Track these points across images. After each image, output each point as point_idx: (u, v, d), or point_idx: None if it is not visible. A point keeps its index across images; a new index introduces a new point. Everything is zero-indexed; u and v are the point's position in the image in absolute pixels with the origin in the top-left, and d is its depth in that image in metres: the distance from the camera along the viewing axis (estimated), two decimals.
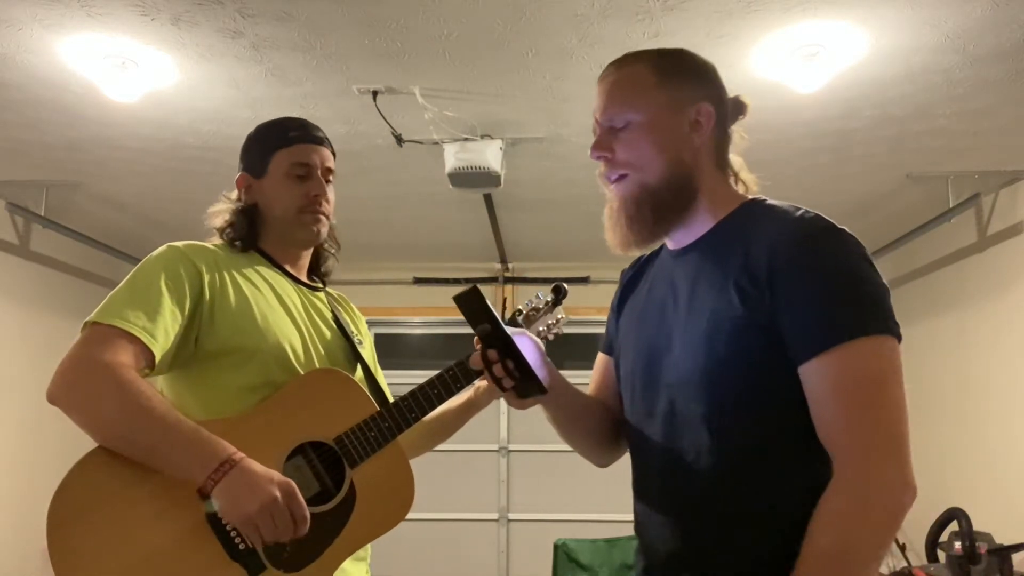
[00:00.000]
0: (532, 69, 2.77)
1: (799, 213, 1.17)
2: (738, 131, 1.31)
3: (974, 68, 2.71)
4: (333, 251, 1.71)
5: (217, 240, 1.58)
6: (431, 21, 2.48)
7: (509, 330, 1.27)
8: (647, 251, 1.38)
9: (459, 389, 1.47)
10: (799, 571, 1.04)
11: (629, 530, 1.31)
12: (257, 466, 1.29)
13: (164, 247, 1.48)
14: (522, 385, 1.27)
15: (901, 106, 3.01)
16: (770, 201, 1.25)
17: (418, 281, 5.26)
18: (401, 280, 5.25)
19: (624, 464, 1.39)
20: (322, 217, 1.58)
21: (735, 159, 1.30)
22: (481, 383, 1.58)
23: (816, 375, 1.07)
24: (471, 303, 1.23)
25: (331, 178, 1.63)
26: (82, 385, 1.31)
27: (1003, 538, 3.06)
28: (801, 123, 3.15)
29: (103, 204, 4.09)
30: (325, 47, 2.62)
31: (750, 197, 1.28)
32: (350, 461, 1.41)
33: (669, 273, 1.29)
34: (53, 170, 3.64)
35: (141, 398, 1.29)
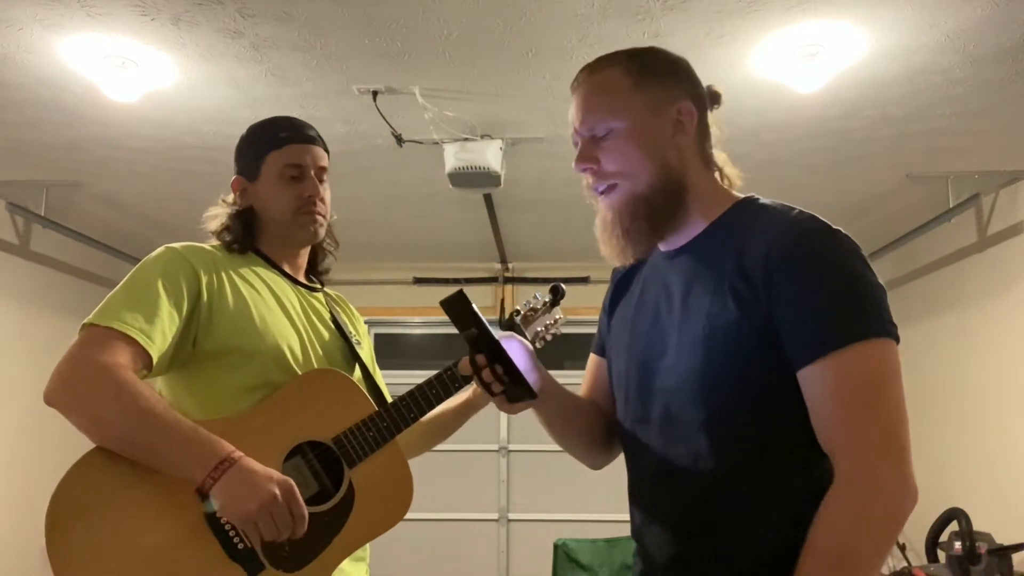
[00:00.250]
0: (532, 69, 2.77)
1: (794, 214, 1.15)
2: (716, 123, 1.28)
3: (974, 68, 2.71)
4: (331, 249, 1.70)
5: (215, 241, 1.58)
6: (431, 21, 2.48)
7: (497, 334, 1.25)
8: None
9: (457, 389, 1.47)
10: (799, 575, 1.03)
11: (629, 530, 1.30)
12: (256, 464, 1.29)
13: (162, 248, 1.48)
14: (512, 390, 1.25)
15: (901, 106, 3.01)
16: (763, 200, 1.23)
17: (418, 281, 5.27)
18: (401, 280, 5.26)
19: (624, 464, 1.38)
20: (318, 217, 1.58)
21: (719, 155, 1.28)
22: None
23: (816, 380, 1.06)
24: (457, 308, 1.21)
25: (325, 177, 1.62)
26: (80, 386, 1.31)
27: (1003, 538, 3.06)
28: (801, 123, 3.15)
29: (103, 204, 4.09)
30: (325, 47, 2.62)
31: (741, 196, 1.26)
32: (348, 461, 1.41)
33: (662, 275, 1.27)
34: (53, 170, 3.64)
35: (139, 398, 1.29)
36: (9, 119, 3.11)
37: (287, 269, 1.61)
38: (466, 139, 3.22)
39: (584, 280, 4.99)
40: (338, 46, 2.62)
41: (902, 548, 3.48)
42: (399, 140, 3.23)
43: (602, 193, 1.23)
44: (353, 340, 1.61)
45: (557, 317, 1.66)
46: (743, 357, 1.11)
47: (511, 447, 5.21)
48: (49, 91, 2.88)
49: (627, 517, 1.30)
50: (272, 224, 1.58)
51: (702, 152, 1.24)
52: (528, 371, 1.26)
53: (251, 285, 1.50)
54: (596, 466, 1.45)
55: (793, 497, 1.09)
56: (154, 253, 1.47)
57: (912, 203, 4.02)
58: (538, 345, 1.64)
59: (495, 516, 5.17)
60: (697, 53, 2.54)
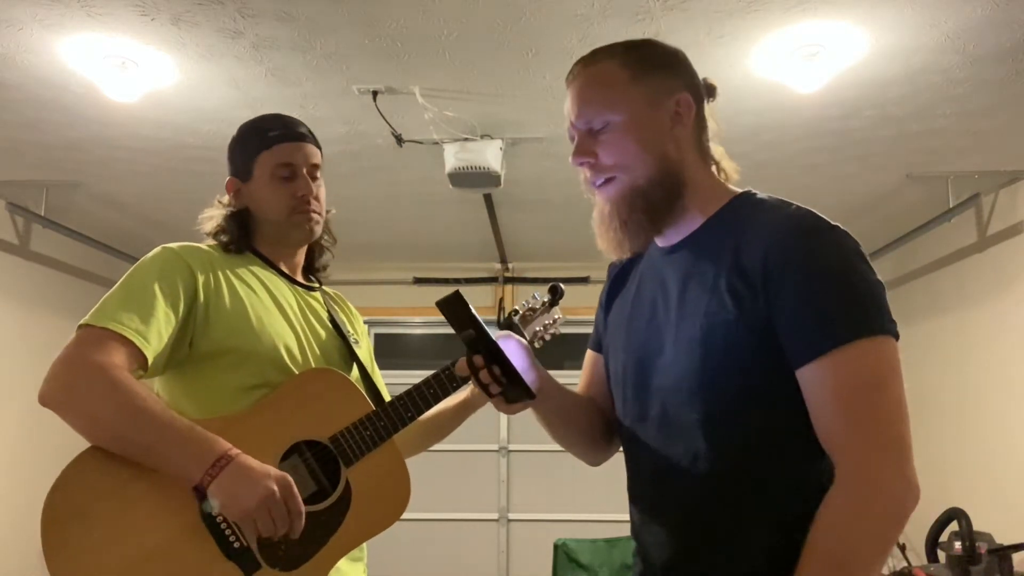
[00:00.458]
0: (532, 69, 2.77)
1: (791, 210, 1.14)
2: (711, 116, 1.26)
3: (974, 68, 2.71)
4: (329, 245, 1.69)
5: (213, 241, 1.58)
6: (431, 21, 2.48)
7: (495, 334, 1.24)
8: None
9: (455, 389, 1.46)
10: (799, 575, 1.02)
11: (629, 530, 1.30)
12: (253, 461, 1.29)
13: (158, 249, 1.48)
14: (509, 391, 1.24)
15: (901, 106, 3.01)
16: (760, 195, 1.21)
17: (418, 281, 5.27)
18: (401, 280, 5.26)
19: (624, 464, 1.38)
20: (313, 215, 1.57)
21: (716, 148, 1.26)
22: None
23: (815, 379, 1.05)
24: (454, 308, 1.21)
25: (318, 173, 1.60)
26: (75, 386, 1.30)
27: (1003, 538, 3.06)
28: (801, 123, 3.15)
29: (103, 204, 4.09)
30: (325, 47, 2.62)
31: (739, 190, 1.24)
32: (345, 460, 1.40)
33: (659, 271, 1.26)
34: (53, 170, 3.64)
35: (135, 397, 1.29)
36: (9, 119, 3.11)
37: (284, 268, 1.60)
38: (466, 139, 3.22)
39: (584, 280, 4.99)
40: (338, 46, 2.62)
41: (902, 548, 3.48)
42: (399, 140, 3.23)
43: (600, 186, 1.22)
44: (351, 339, 1.61)
45: (556, 317, 1.66)
46: (741, 356, 1.10)
47: (511, 447, 5.21)
48: (49, 91, 2.88)
49: (627, 517, 1.29)
50: (267, 224, 1.58)
51: (700, 145, 1.23)
52: (526, 371, 1.25)
53: (248, 285, 1.50)
54: (595, 463, 1.44)
55: (793, 496, 1.08)
56: (150, 254, 1.47)
57: (912, 203, 4.02)
58: (537, 345, 1.64)
59: (495, 516, 5.17)
60: (697, 53, 2.53)
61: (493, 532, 5.16)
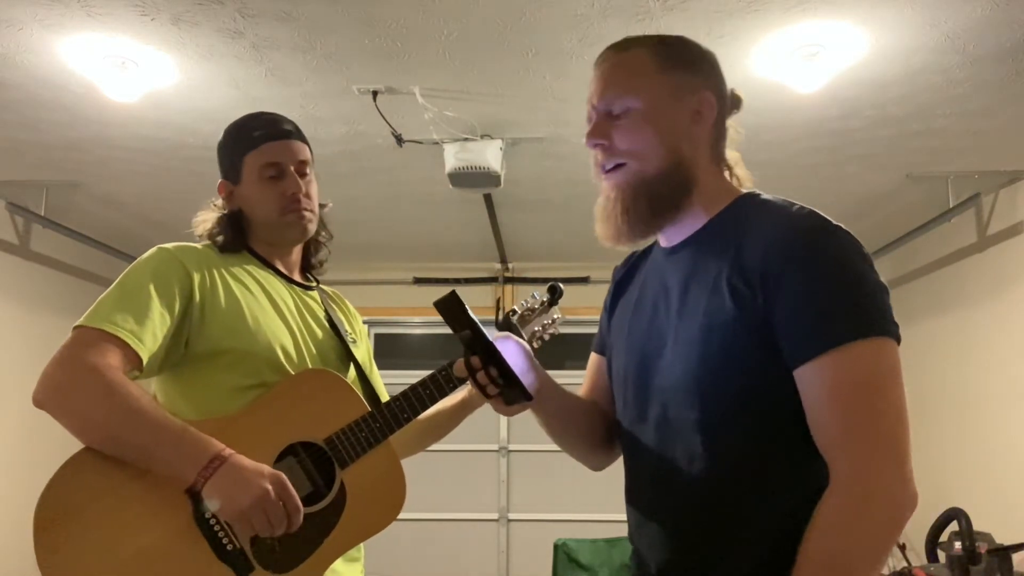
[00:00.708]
0: (532, 69, 2.76)
1: (794, 209, 1.13)
2: (733, 125, 1.26)
3: (974, 68, 2.71)
4: (325, 240, 1.68)
5: (208, 241, 1.57)
6: (431, 21, 2.47)
7: (492, 335, 1.23)
8: (638, 247, 1.34)
9: (452, 389, 1.45)
10: None
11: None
12: (246, 461, 1.29)
13: (154, 249, 1.48)
14: (507, 392, 1.24)
15: (901, 106, 3.01)
16: (764, 196, 1.20)
17: (418, 281, 5.27)
18: (401, 280, 5.25)
19: (623, 464, 1.38)
20: (306, 213, 1.55)
21: (732, 154, 1.26)
22: None
23: (812, 379, 1.04)
24: (451, 308, 1.20)
25: (308, 170, 1.58)
26: (68, 387, 1.30)
27: (1003, 538, 3.06)
28: (801, 123, 3.15)
29: (103, 204, 4.09)
30: (325, 47, 2.62)
31: (743, 191, 1.24)
32: (340, 461, 1.39)
33: (661, 272, 1.25)
34: (53, 170, 3.64)
35: (128, 398, 1.28)
36: (9, 119, 3.11)
37: (280, 267, 1.59)
38: (466, 139, 3.22)
39: (584, 280, 4.99)
40: (338, 46, 2.62)
41: (902, 548, 3.48)
42: (399, 140, 3.23)
43: (608, 171, 1.21)
44: (348, 339, 1.60)
45: (555, 316, 1.64)
46: (739, 356, 1.08)
47: (511, 447, 5.21)
48: (49, 91, 2.88)
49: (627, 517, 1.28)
50: (261, 225, 1.57)
51: (715, 147, 1.23)
52: (524, 372, 1.24)
53: (244, 285, 1.49)
54: (597, 467, 1.43)
55: (790, 499, 1.06)
56: (146, 254, 1.46)
57: (912, 203, 4.02)
58: (535, 345, 1.63)
59: (495, 516, 5.17)
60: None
61: (493, 532, 5.16)
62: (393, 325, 5.35)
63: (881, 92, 2.89)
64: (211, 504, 1.26)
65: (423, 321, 5.33)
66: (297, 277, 1.63)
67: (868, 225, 4.26)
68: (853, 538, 0.99)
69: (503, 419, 5.12)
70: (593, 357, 1.43)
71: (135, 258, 1.47)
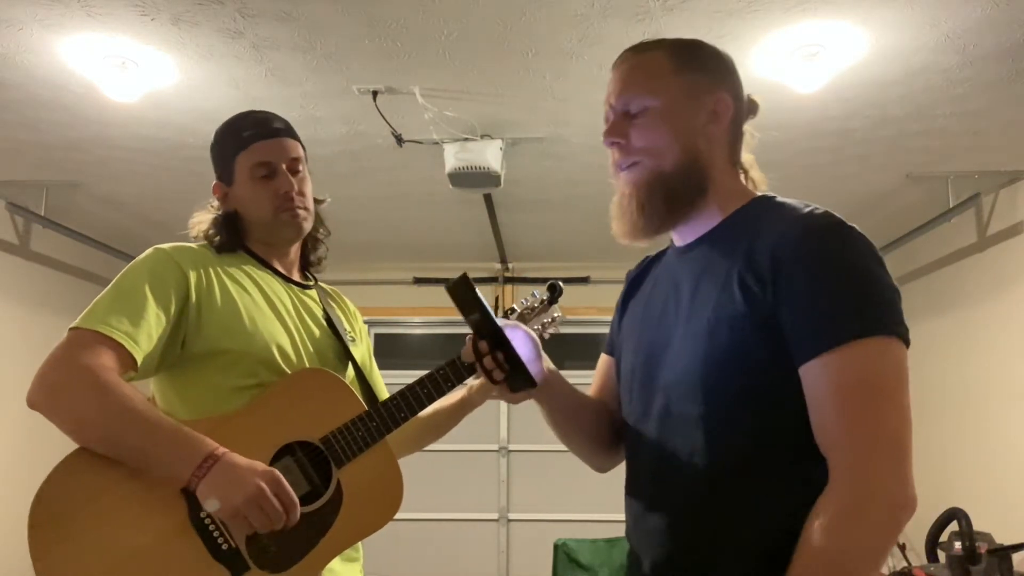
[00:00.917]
0: (532, 69, 2.76)
1: (808, 209, 1.13)
2: (749, 130, 1.28)
3: (974, 68, 2.71)
4: (323, 237, 1.67)
5: (205, 241, 1.57)
6: (431, 21, 2.48)
7: (502, 322, 1.25)
8: (653, 245, 1.33)
9: (450, 389, 1.45)
10: None
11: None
12: (240, 459, 1.28)
13: (150, 250, 1.47)
14: (513, 378, 1.25)
15: (901, 106, 3.01)
16: (780, 198, 1.21)
17: (418, 281, 5.27)
18: (401, 280, 5.25)
19: (623, 464, 1.38)
20: (299, 211, 1.54)
21: (747, 157, 1.27)
22: (474, 382, 1.56)
23: (817, 376, 1.03)
24: (462, 292, 1.22)
25: (300, 167, 1.57)
26: (61, 388, 1.30)
27: (1003, 538, 3.06)
28: (801, 123, 3.15)
29: (103, 204, 4.09)
30: (325, 47, 2.62)
31: (759, 193, 1.25)
32: (336, 461, 1.39)
33: (673, 272, 1.26)
34: (53, 170, 3.64)
35: (122, 398, 1.28)
36: (9, 119, 3.11)
37: (279, 267, 1.59)
38: (466, 139, 3.22)
39: (584, 280, 5.00)
40: (338, 46, 2.62)
41: (902, 548, 3.48)
42: (399, 140, 3.23)
43: (625, 169, 1.23)
44: (347, 337, 1.60)
45: (555, 315, 1.64)
46: (745, 351, 1.08)
47: (511, 447, 5.21)
48: (49, 91, 2.88)
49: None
50: (256, 225, 1.56)
51: (731, 148, 1.24)
52: (531, 361, 1.25)
53: (240, 285, 1.49)
54: (601, 468, 1.43)
55: (790, 498, 1.05)
56: (142, 255, 1.46)
57: (912, 203, 4.02)
58: None
59: (495, 516, 5.17)
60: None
61: (493, 532, 5.16)
62: (393, 325, 5.35)
63: (881, 92, 2.89)
64: (206, 503, 1.26)
65: (423, 321, 5.33)
66: (296, 276, 1.63)
67: (868, 225, 4.17)
68: (849, 538, 0.98)
69: (503, 419, 5.12)
70: (603, 358, 1.44)
71: (135, 258, 1.47)
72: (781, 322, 1.06)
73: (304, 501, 1.35)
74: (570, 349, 4.84)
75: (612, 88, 1.25)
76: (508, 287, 5.30)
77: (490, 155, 3.22)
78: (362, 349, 1.66)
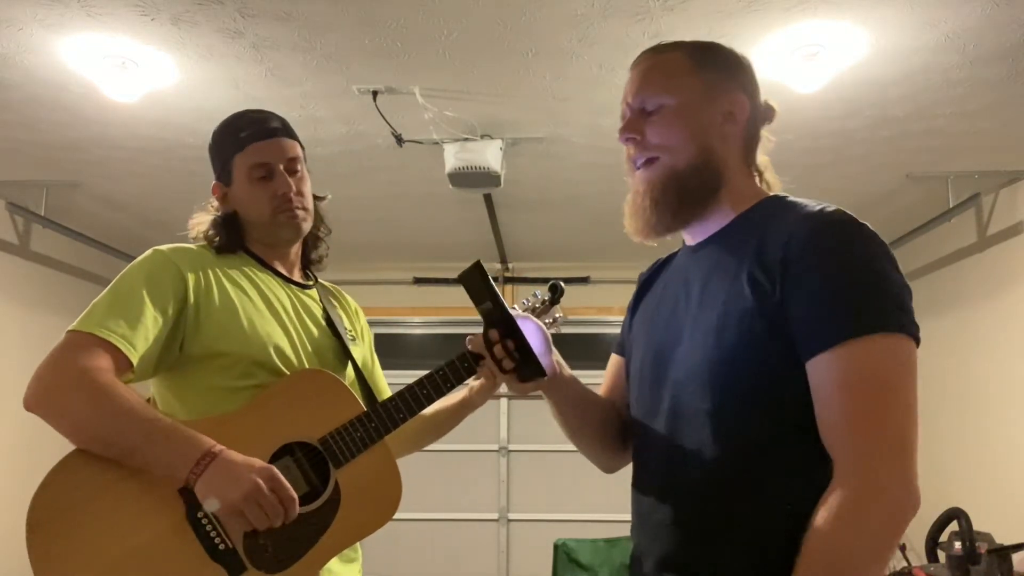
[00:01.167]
0: (532, 69, 2.76)
1: (820, 207, 1.13)
2: (766, 135, 1.29)
3: (974, 68, 2.71)
4: (323, 235, 1.67)
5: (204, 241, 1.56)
6: (431, 21, 2.47)
7: (513, 312, 1.25)
8: (661, 243, 1.33)
9: (449, 389, 1.44)
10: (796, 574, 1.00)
11: (629, 530, 1.29)
12: (237, 456, 1.28)
13: (149, 251, 1.47)
14: (522, 368, 1.25)
15: (901, 106, 3.01)
16: (792, 197, 1.22)
17: (418, 281, 5.26)
18: (401, 280, 5.25)
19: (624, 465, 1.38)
20: (298, 212, 1.54)
21: (762, 159, 1.28)
22: (475, 382, 1.56)
23: (823, 371, 1.02)
24: (475, 280, 1.24)
25: (298, 167, 1.56)
26: (57, 389, 1.30)
27: (1003, 538, 3.06)
28: (801, 123, 3.15)
29: (103, 204, 4.09)
30: (325, 47, 2.62)
31: (772, 193, 1.26)
32: (335, 462, 1.39)
33: (684, 270, 1.27)
34: (53, 170, 3.64)
35: (119, 399, 1.28)
36: (9, 119, 3.11)
37: (279, 267, 1.59)
38: (466, 139, 3.22)
39: (584, 280, 4.99)
40: (338, 46, 2.62)
41: (902, 548, 3.47)
42: (399, 140, 3.23)
43: (640, 166, 1.24)
44: (347, 337, 1.59)
45: (557, 316, 1.65)
46: (754, 347, 1.08)
47: (511, 447, 5.20)
48: (49, 91, 2.88)
49: (627, 517, 1.28)
50: (255, 226, 1.56)
51: (746, 149, 1.25)
52: (542, 354, 1.26)
53: (239, 286, 1.49)
54: (609, 468, 1.43)
55: (797, 495, 1.05)
56: (141, 257, 1.46)
57: (912, 203, 4.02)
58: None
59: (495, 516, 5.17)
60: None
61: (493, 532, 5.16)
62: (393, 325, 5.35)
63: (881, 92, 2.89)
64: (205, 502, 1.26)
65: (423, 321, 5.33)
66: (296, 276, 1.62)
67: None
68: (853, 535, 0.98)
69: (503, 419, 5.12)
70: (613, 358, 1.44)
71: (135, 258, 1.47)
72: (789, 317, 1.06)
73: (302, 502, 1.34)
74: (571, 349, 4.82)
75: (629, 87, 1.26)
76: (508, 287, 5.30)
77: (490, 155, 3.22)
78: (363, 348, 1.66)
